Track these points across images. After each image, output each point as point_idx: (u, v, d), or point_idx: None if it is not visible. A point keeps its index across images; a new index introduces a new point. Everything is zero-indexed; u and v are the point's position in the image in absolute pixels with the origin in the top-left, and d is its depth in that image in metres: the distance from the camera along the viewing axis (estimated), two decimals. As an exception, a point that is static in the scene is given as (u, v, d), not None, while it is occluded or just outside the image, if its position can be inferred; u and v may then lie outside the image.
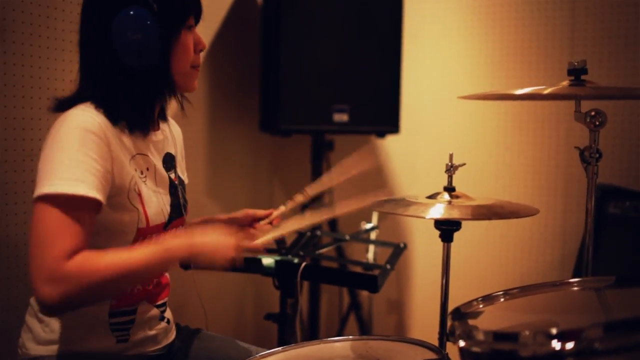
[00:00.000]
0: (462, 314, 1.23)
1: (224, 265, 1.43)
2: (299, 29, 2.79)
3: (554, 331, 1.00)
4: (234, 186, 3.11)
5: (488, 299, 1.28)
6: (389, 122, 2.91)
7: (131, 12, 1.42)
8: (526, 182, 2.99)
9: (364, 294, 3.08)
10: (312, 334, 2.97)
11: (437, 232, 1.57)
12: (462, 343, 1.07)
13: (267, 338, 3.19)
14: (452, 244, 1.58)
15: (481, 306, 1.26)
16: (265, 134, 3.02)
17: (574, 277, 2.53)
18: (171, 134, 1.70)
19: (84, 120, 1.36)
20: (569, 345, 0.94)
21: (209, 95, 2.87)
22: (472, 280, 3.02)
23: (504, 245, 3.03)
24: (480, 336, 1.07)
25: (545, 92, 1.54)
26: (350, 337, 1.50)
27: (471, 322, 1.18)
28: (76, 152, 1.33)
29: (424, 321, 3.24)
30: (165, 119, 1.70)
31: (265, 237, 1.64)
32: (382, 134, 2.99)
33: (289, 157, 3.37)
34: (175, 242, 1.41)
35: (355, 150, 3.08)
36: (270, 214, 1.77)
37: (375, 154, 1.87)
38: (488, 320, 1.20)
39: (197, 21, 1.57)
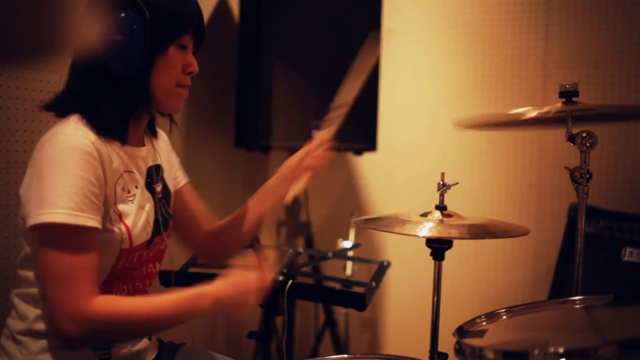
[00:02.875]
0: (465, 331, 1.22)
1: (248, 311, 1.44)
2: (278, 47, 2.78)
3: (562, 350, 1.00)
4: (206, 201, 3.07)
5: (491, 316, 1.28)
6: (366, 139, 2.92)
7: (122, 15, 1.40)
8: (515, 201, 3.01)
9: (342, 311, 3.07)
10: (288, 352, 2.93)
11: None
12: (472, 362, 1.06)
13: (239, 356, 3.15)
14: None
15: (484, 323, 1.26)
16: (239, 150, 3.00)
17: (551, 296, 2.58)
18: (158, 145, 1.67)
19: (78, 141, 1.34)
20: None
21: (185, 109, 2.83)
22: (455, 298, 3.03)
23: (492, 263, 3.05)
24: (490, 355, 1.07)
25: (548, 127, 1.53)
26: (345, 355, 1.49)
27: (476, 340, 1.18)
28: (74, 177, 1.31)
29: (399, 338, 3.24)
30: (153, 135, 1.67)
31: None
32: (359, 152, 3.00)
33: (264, 174, 3.35)
34: (203, 291, 1.41)
35: (331, 167, 3.09)
36: (316, 144, 1.81)
37: (378, 46, 1.89)
38: (493, 338, 1.20)
39: (196, 46, 1.53)
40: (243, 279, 1.45)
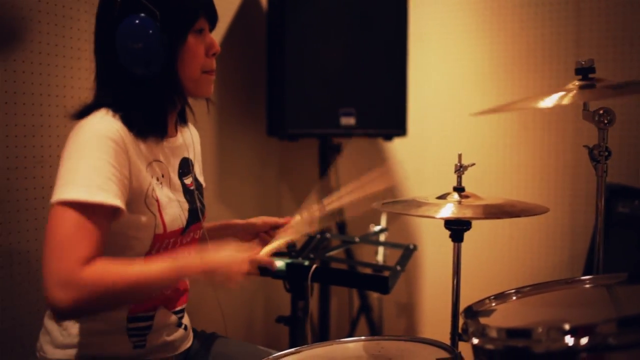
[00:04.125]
0: (474, 312, 1.23)
1: (238, 282, 1.43)
2: (304, 33, 2.80)
3: (567, 327, 1.00)
4: (241, 191, 3.12)
5: (500, 297, 1.28)
6: (396, 124, 2.92)
7: (132, 21, 1.41)
8: (534, 182, 2.99)
9: (374, 296, 3.09)
10: (323, 336, 2.97)
11: (446, 233, 1.56)
12: (475, 340, 1.07)
13: (277, 341, 3.20)
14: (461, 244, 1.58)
15: (493, 304, 1.26)
16: (272, 138, 3.03)
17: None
18: (189, 137, 1.69)
19: (102, 127, 1.36)
20: (583, 340, 0.95)
21: (216, 100, 2.88)
22: (481, 280, 3.01)
23: (513, 245, 3.03)
24: (493, 333, 1.08)
25: (564, 101, 1.51)
26: (363, 337, 1.50)
27: (483, 320, 1.18)
28: (95, 159, 1.32)
29: (435, 322, 3.24)
30: (184, 124, 1.70)
31: (276, 243, 1.66)
32: (389, 137, 3.00)
33: (296, 161, 3.38)
34: (190, 259, 1.41)
35: (362, 153, 3.10)
36: (287, 223, 1.77)
37: (394, 171, 1.85)
38: (500, 318, 1.20)
39: (211, 24, 1.54)
40: (232, 253, 1.44)
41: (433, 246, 3.17)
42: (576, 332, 0.99)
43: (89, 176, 1.31)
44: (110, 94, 1.46)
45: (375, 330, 3.02)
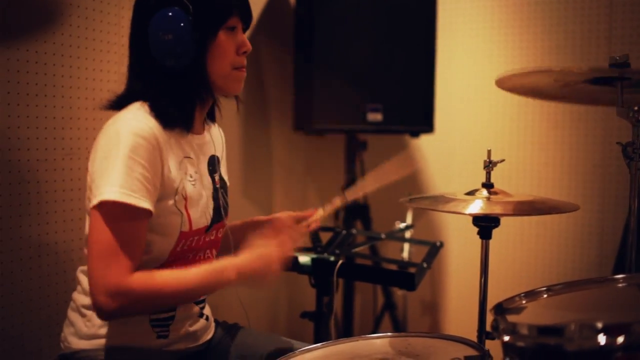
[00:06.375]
0: (504, 309, 1.21)
1: (273, 280, 1.47)
2: (332, 29, 2.79)
3: (600, 325, 0.98)
4: (268, 185, 3.12)
5: (531, 294, 1.26)
6: (423, 121, 2.90)
7: (165, 13, 1.43)
8: (562, 180, 2.95)
9: (399, 293, 3.07)
10: (347, 333, 2.96)
11: (473, 230, 1.55)
12: (506, 338, 1.05)
13: (300, 336, 3.20)
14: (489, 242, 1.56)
15: (524, 302, 1.24)
16: (299, 134, 3.03)
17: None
18: (216, 136, 1.70)
19: (135, 126, 1.38)
20: (620, 339, 0.93)
21: (243, 95, 2.88)
22: (508, 279, 2.99)
23: (540, 244, 3.00)
24: (524, 330, 1.06)
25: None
26: (389, 333, 1.49)
27: (514, 317, 1.17)
28: (128, 159, 1.34)
29: (459, 320, 3.22)
30: (213, 121, 1.70)
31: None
32: (416, 134, 2.98)
33: (322, 157, 3.37)
34: (228, 263, 1.45)
35: (388, 150, 3.09)
36: (310, 216, 1.77)
37: (414, 159, 1.85)
38: (531, 316, 1.18)
39: (245, 23, 1.54)
40: (265, 251, 1.48)
41: (458, 244, 3.15)
42: (610, 331, 0.98)
43: (125, 178, 1.34)
44: (140, 84, 1.49)
45: (399, 327, 3.00)
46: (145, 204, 1.36)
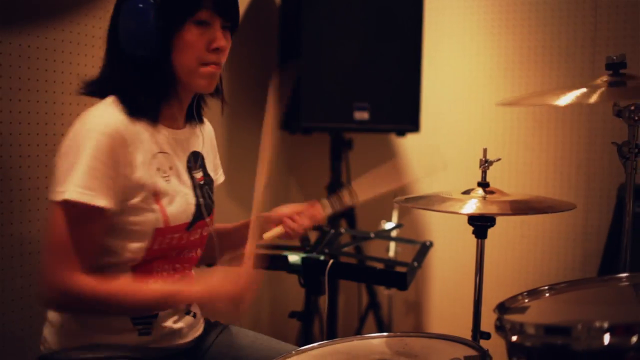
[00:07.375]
0: (506, 308, 1.20)
1: (246, 304, 1.46)
2: (320, 27, 2.77)
3: (607, 324, 0.97)
4: (250, 185, 3.08)
5: (533, 293, 1.25)
6: (409, 120, 2.89)
7: (134, 2, 1.43)
8: (547, 180, 2.96)
9: (383, 293, 3.06)
10: (331, 333, 2.93)
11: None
12: (514, 337, 1.04)
13: (284, 336, 3.17)
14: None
15: (526, 301, 1.23)
16: (283, 132, 3.00)
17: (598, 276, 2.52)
18: (200, 133, 1.67)
19: (101, 123, 1.38)
20: (634, 339, 0.92)
21: (227, 93, 2.84)
22: (499, 279, 2.99)
23: (525, 244, 3.00)
24: (531, 330, 1.05)
25: (593, 99, 1.47)
26: (386, 333, 1.48)
27: (518, 317, 1.15)
28: (91, 158, 1.34)
29: (443, 320, 3.22)
30: (195, 118, 1.66)
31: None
32: (402, 133, 2.97)
33: (306, 156, 3.35)
34: (187, 291, 1.46)
35: (374, 149, 3.07)
36: (314, 209, 1.76)
37: (404, 172, 1.85)
38: (535, 315, 1.17)
39: (225, 20, 1.49)
40: (230, 274, 1.47)
41: (444, 243, 3.14)
42: (618, 330, 0.97)
43: (85, 176, 1.34)
44: (110, 72, 1.50)
45: (383, 327, 2.98)
46: (104, 202, 1.36)
